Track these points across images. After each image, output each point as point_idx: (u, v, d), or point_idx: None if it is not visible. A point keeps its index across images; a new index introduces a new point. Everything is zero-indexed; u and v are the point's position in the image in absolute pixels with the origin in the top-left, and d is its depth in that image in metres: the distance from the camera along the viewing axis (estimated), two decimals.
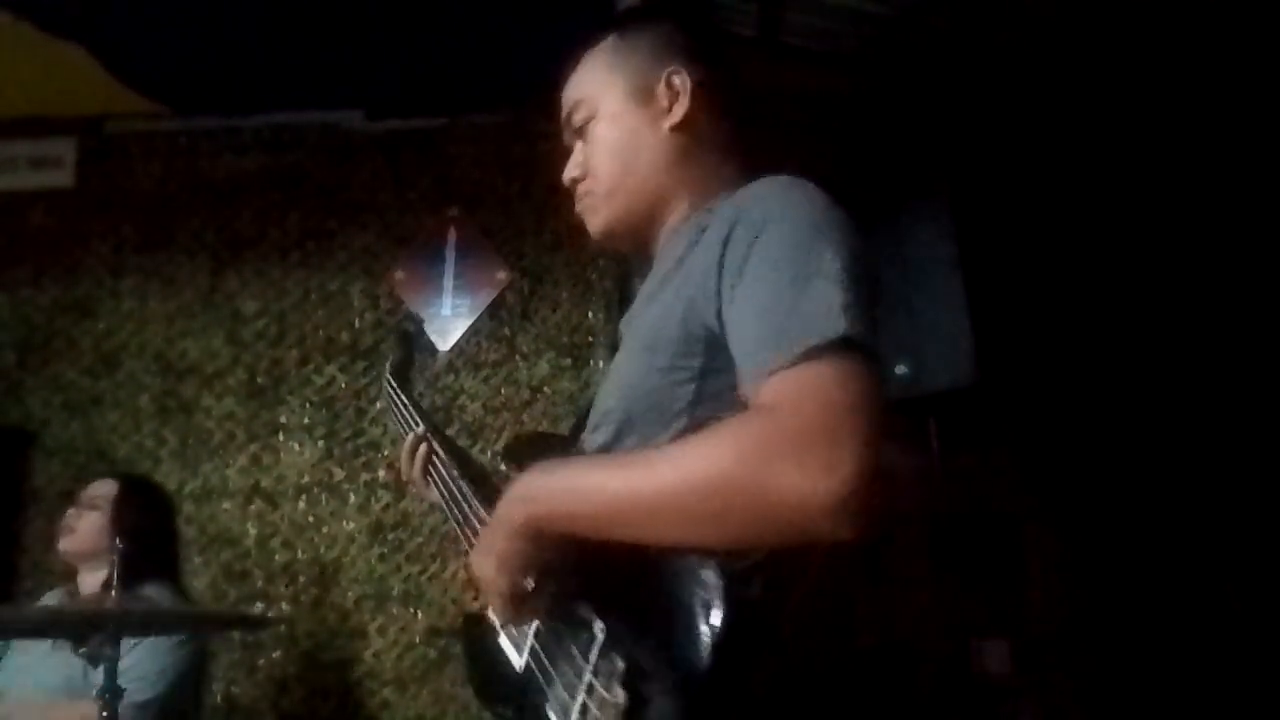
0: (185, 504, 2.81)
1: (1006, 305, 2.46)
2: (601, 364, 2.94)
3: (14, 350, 3.02)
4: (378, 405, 2.95)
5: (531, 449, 1.15)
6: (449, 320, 3.01)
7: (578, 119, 1.19)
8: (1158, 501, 2.70)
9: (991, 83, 2.87)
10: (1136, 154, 2.87)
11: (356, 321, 3.02)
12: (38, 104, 3.03)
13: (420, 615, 2.80)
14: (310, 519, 2.88)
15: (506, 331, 2.99)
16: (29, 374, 3.01)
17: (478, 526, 1.15)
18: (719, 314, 0.91)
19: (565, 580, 0.94)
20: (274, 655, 2.79)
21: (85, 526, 2.20)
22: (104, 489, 2.26)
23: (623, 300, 3.01)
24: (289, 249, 3.07)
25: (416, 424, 1.47)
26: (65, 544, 2.23)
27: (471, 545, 1.14)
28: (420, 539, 2.85)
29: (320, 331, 3.00)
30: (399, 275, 3.04)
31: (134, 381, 2.99)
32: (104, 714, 1.68)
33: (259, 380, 2.97)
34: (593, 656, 0.87)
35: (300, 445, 2.93)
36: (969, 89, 2.90)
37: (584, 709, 0.86)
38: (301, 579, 2.83)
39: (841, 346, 0.81)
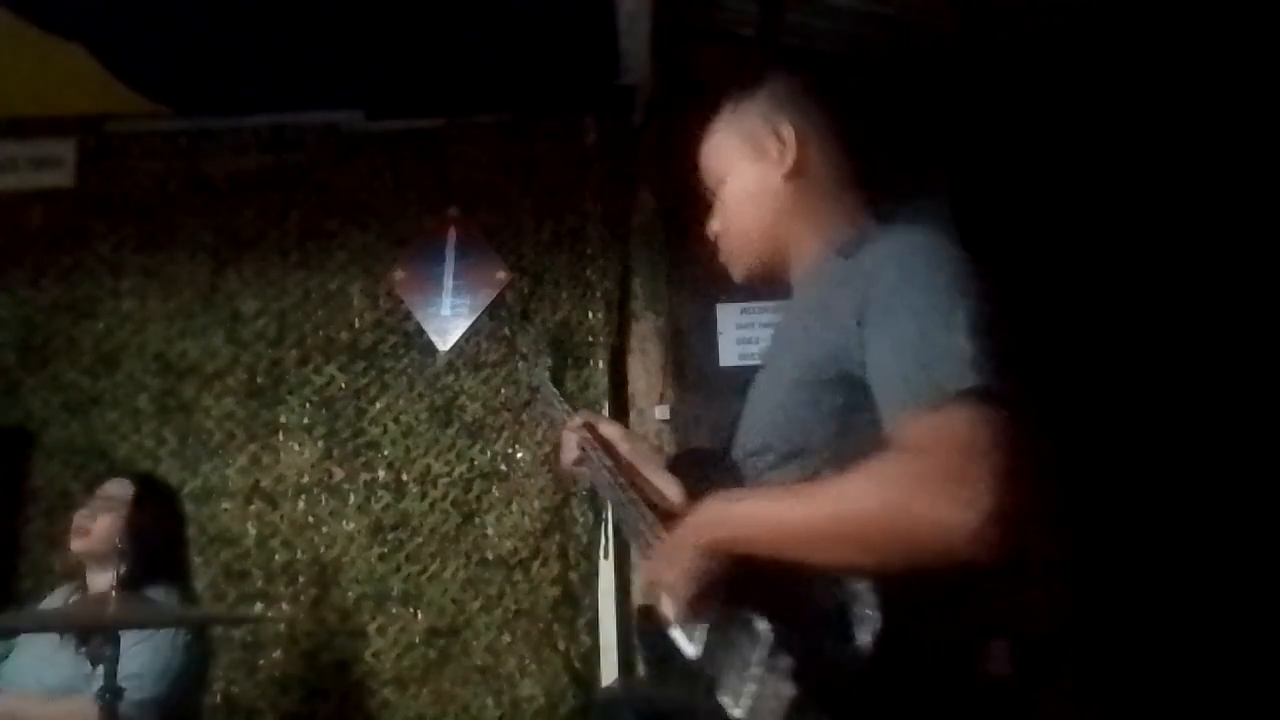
0: (185, 504, 2.80)
1: (1007, 305, 2.45)
2: (601, 364, 2.94)
3: (14, 350, 3.02)
4: (377, 405, 2.95)
5: (694, 465, 1.35)
6: (449, 320, 3.01)
7: (711, 183, 1.35)
8: (1158, 502, 2.70)
9: (992, 83, 2.88)
10: (1137, 152, 2.87)
11: (356, 321, 3.02)
12: (38, 104, 3.03)
13: (420, 615, 2.80)
14: (310, 519, 2.87)
15: (506, 331, 2.99)
16: (29, 374, 3.00)
17: (646, 527, 1.34)
18: (861, 359, 1.03)
19: (735, 590, 1.09)
20: (274, 655, 2.78)
21: (100, 527, 2.20)
22: (119, 490, 2.26)
23: (623, 300, 3.01)
24: (289, 249, 3.07)
25: (569, 413, 1.73)
26: (80, 544, 2.22)
27: (644, 540, 1.32)
28: (420, 539, 2.85)
29: (320, 331, 3.00)
30: (399, 275, 3.04)
31: (134, 381, 2.99)
32: (104, 715, 1.68)
33: (259, 380, 2.97)
34: (759, 654, 1.02)
35: (300, 445, 2.93)
36: (969, 89, 2.90)
37: (755, 697, 1.00)
38: (301, 579, 2.83)
39: (972, 395, 0.92)
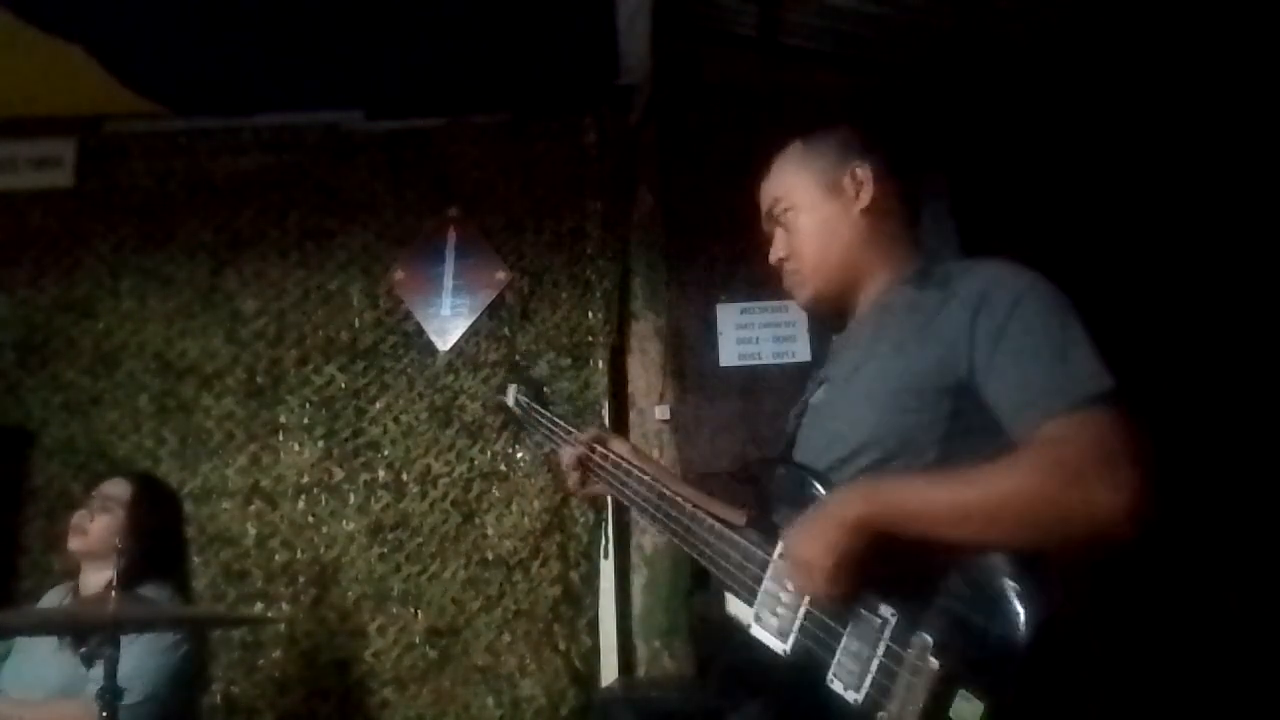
0: (185, 504, 2.80)
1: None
2: (601, 364, 2.94)
3: (14, 350, 3.02)
4: (377, 405, 2.95)
5: (767, 470, 1.38)
6: (449, 320, 3.01)
7: (778, 211, 1.45)
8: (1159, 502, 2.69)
9: (992, 83, 2.88)
10: (1137, 152, 2.87)
11: (356, 321, 3.02)
12: (38, 104, 3.03)
13: (420, 615, 2.80)
14: (310, 519, 2.87)
15: (506, 331, 2.99)
16: (29, 374, 3.00)
17: (685, 513, 1.44)
18: (972, 369, 1.18)
19: (865, 569, 1.15)
20: (274, 655, 2.78)
21: (98, 527, 2.19)
22: (117, 489, 2.25)
23: (623, 300, 3.01)
24: (289, 249, 3.07)
25: (568, 432, 1.72)
26: (77, 544, 2.21)
27: (698, 538, 1.41)
28: (420, 539, 2.85)
29: (320, 331, 3.00)
30: (399, 275, 3.04)
31: (133, 381, 2.99)
32: (103, 714, 1.68)
33: (258, 380, 2.97)
34: (888, 635, 1.11)
35: (299, 445, 2.93)
36: (969, 89, 2.90)
37: (884, 678, 1.09)
38: (301, 579, 2.83)
39: (1106, 396, 1.09)
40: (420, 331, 3.01)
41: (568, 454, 1.67)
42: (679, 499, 1.47)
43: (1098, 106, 2.86)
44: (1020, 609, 1.02)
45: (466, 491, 2.88)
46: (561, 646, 2.76)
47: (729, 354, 2.93)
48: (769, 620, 1.27)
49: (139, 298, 3.05)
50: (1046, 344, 1.14)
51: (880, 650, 1.11)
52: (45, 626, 2.08)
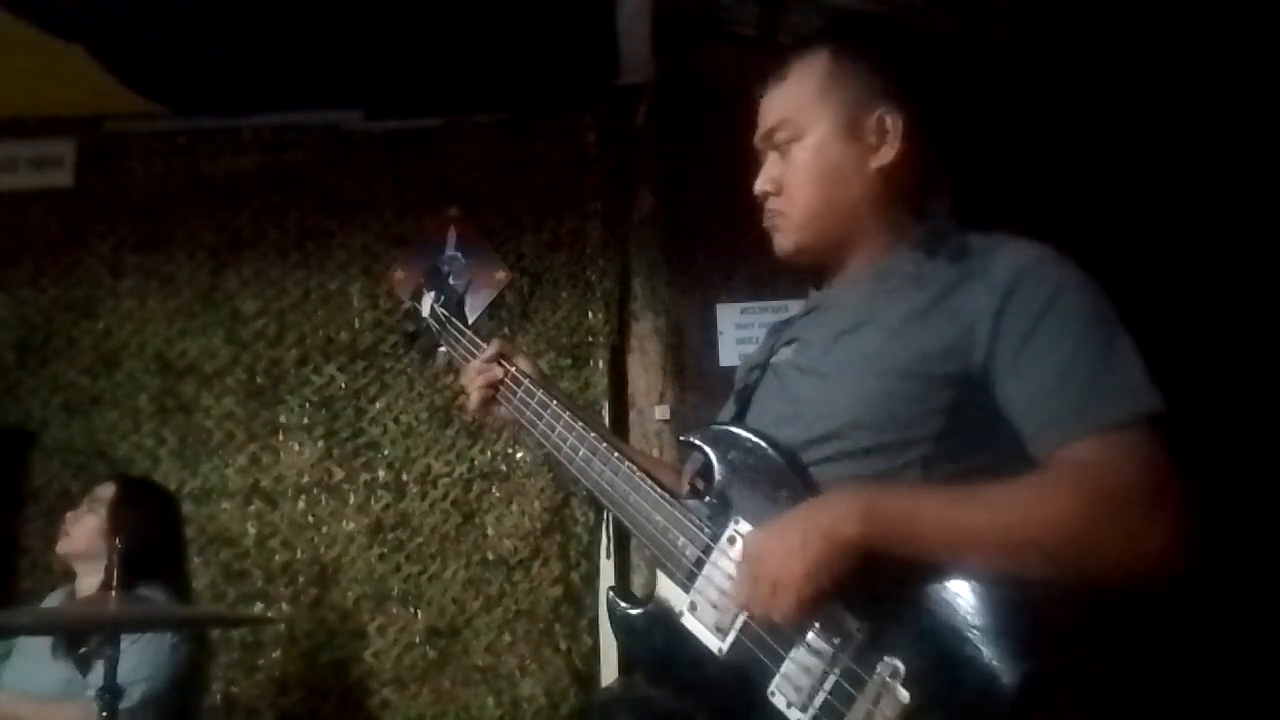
0: (184, 504, 2.79)
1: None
2: (601, 364, 2.94)
3: (14, 350, 3.02)
4: (377, 405, 2.95)
5: (722, 437, 1.16)
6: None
7: (780, 136, 1.20)
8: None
9: (991, 83, 2.87)
10: (1137, 152, 2.87)
11: (356, 321, 3.02)
12: (38, 104, 3.03)
13: (420, 615, 2.80)
14: (310, 519, 2.87)
15: (506, 331, 2.98)
16: (29, 374, 3.00)
17: (612, 468, 1.25)
18: (989, 362, 1.01)
19: (840, 589, 1.00)
20: (274, 655, 2.78)
21: (80, 529, 2.21)
22: (103, 492, 2.28)
23: (623, 300, 3.01)
24: (288, 249, 3.07)
25: (479, 348, 1.54)
26: (62, 546, 2.24)
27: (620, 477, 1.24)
28: (420, 539, 2.85)
29: (320, 331, 3.00)
30: (399, 275, 3.04)
31: (133, 381, 2.99)
32: (103, 714, 1.68)
33: (258, 380, 2.97)
34: (850, 649, 0.97)
35: (299, 445, 2.93)
36: (969, 89, 2.90)
37: (841, 697, 0.96)
38: (301, 579, 2.83)
39: (1155, 419, 0.96)
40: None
41: (476, 370, 1.48)
42: (608, 449, 1.27)
43: (1099, 107, 2.86)
44: (1019, 650, 0.89)
45: (466, 491, 2.87)
46: (562, 646, 2.76)
47: (729, 354, 2.93)
48: (705, 612, 1.10)
49: (139, 298, 3.05)
50: (1088, 349, 0.99)
51: (838, 669, 0.97)
52: (43, 627, 2.09)
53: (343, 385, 2.96)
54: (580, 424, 1.32)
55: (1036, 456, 0.99)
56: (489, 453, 2.90)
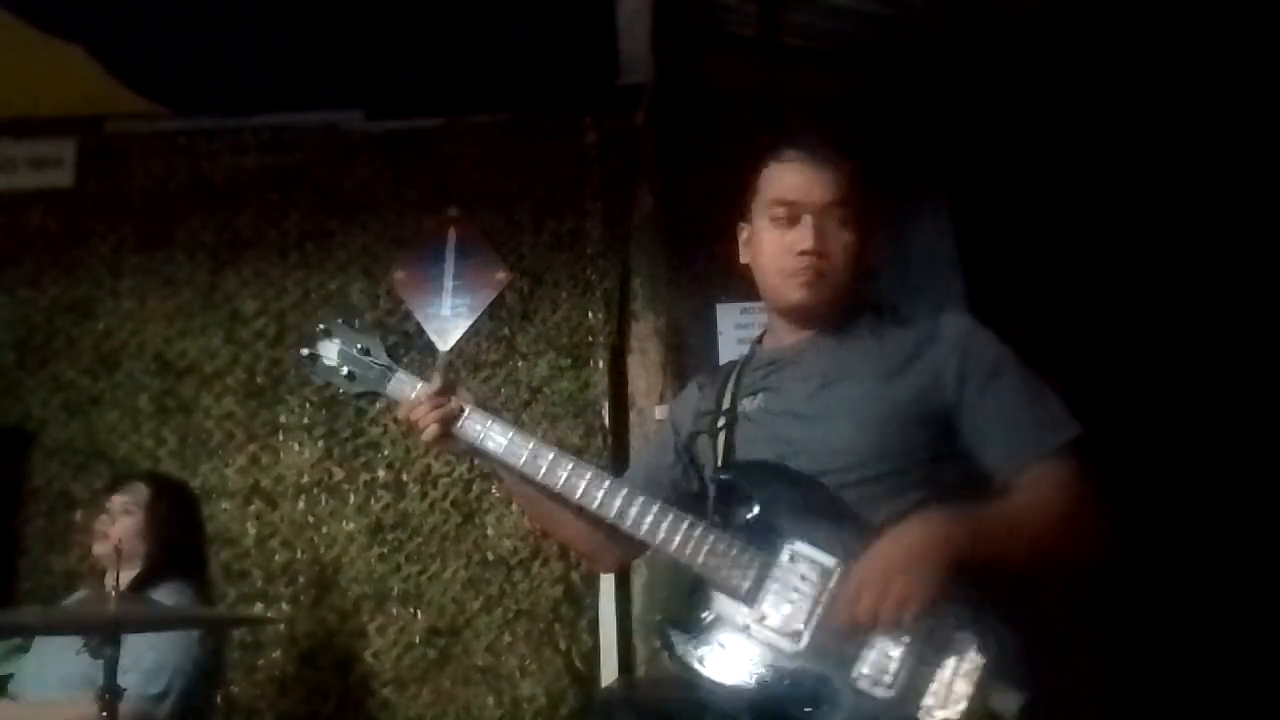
0: None
1: (1007, 305, 2.46)
2: (601, 364, 2.94)
3: (14, 350, 3.02)
4: (377, 405, 2.94)
5: (753, 471, 1.39)
6: (449, 320, 3.01)
7: (840, 211, 1.43)
8: (1158, 501, 2.70)
9: (991, 83, 2.87)
10: (1136, 152, 2.87)
11: (356, 322, 3.01)
12: (38, 104, 3.03)
13: (420, 615, 2.80)
14: (310, 519, 2.87)
15: (506, 331, 2.98)
16: (29, 374, 3.00)
17: (641, 504, 1.39)
18: (957, 406, 1.33)
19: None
20: (274, 655, 2.78)
21: (119, 531, 2.21)
22: (137, 492, 2.28)
23: (623, 300, 3.01)
24: (288, 249, 3.07)
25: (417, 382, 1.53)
26: (102, 549, 2.24)
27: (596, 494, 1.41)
28: (420, 539, 2.85)
29: None
30: (399, 275, 3.04)
31: (133, 381, 2.99)
32: (104, 713, 1.69)
33: (258, 380, 2.97)
34: (923, 630, 1.21)
35: (300, 445, 2.92)
36: (969, 89, 2.90)
37: (922, 668, 1.20)
38: (301, 579, 2.83)
39: (1077, 441, 1.30)
40: (420, 331, 3.00)
41: (427, 406, 1.46)
42: (628, 488, 1.42)
43: (1100, 107, 2.86)
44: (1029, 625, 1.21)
45: (466, 491, 2.87)
46: (562, 646, 2.76)
47: (729, 354, 2.93)
48: (775, 620, 1.28)
49: (139, 298, 3.05)
50: (1029, 394, 1.32)
51: (916, 646, 1.20)
52: (44, 626, 2.09)
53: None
54: (570, 463, 1.44)
55: (999, 472, 1.30)
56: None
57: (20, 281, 3.07)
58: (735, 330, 2.94)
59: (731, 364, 1.60)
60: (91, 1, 2.52)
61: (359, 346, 1.59)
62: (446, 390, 1.49)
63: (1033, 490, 1.27)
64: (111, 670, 1.70)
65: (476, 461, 2.88)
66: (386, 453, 2.91)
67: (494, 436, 1.46)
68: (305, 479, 2.90)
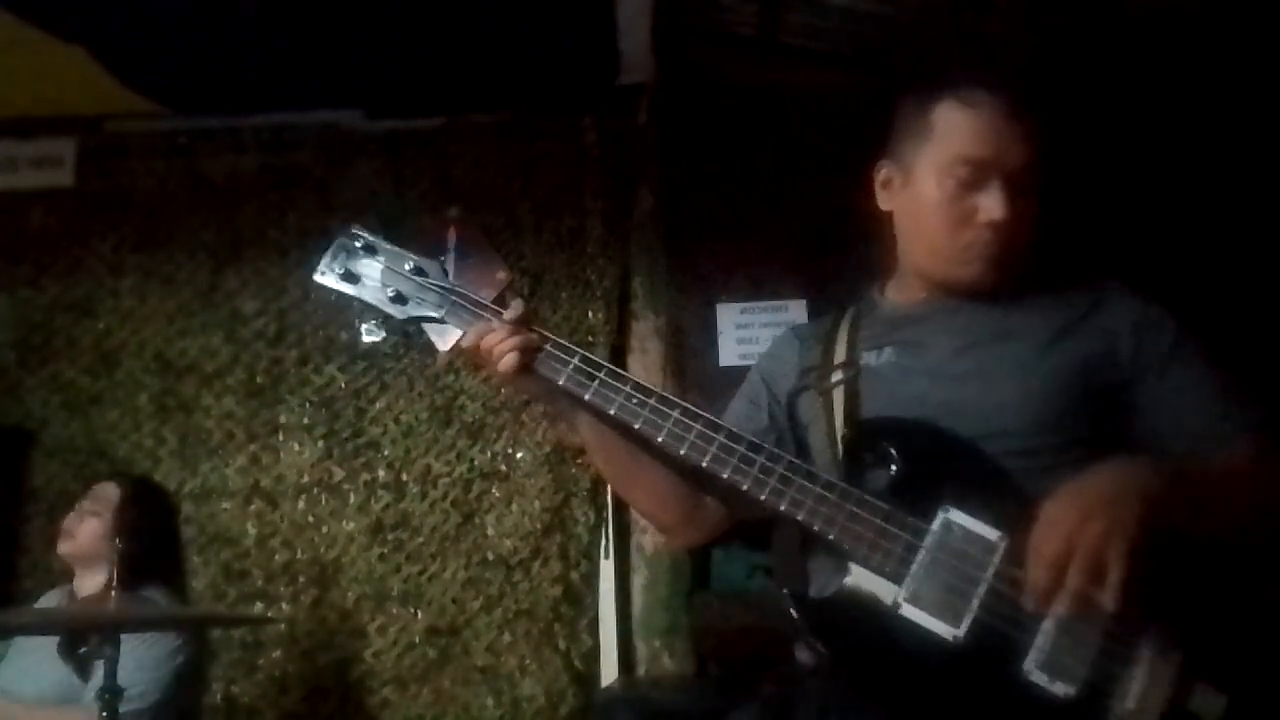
0: (185, 504, 2.80)
1: None
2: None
3: (14, 350, 3.02)
4: (377, 405, 2.94)
5: (910, 434, 1.18)
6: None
7: (1034, 178, 1.27)
8: None
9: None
10: (1136, 153, 2.87)
11: (356, 321, 3.00)
12: (38, 104, 3.03)
13: (420, 615, 2.80)
14: (310, 519, 2.88)
15: None
16: (29, 374, 3.00)
17: (769, 457, 1.17)
18: (1136, 378, 1.19)
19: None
20: (274, 655, 2.79)
21: (85, 531, 2.20)
22: (106, 493, 2.26)
23: (623, 300, 3.01)
24: (289, 249, 3.07)
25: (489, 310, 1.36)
26: (64, 547, 2.22)
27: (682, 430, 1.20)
28: (420, 539, 2.85)
29: (320, 331, 3.00)
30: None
31: (133, 381, 2.99)
32: (103, 715, 1.68)
33: (258, 380, 2.97)
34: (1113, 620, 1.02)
35: (300, 445, 2.93)
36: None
37: (1113, 663, 1.02)
38: (301, 579, 2.83)
39: (1267, 420, 1.17)
40: (420, 331, 3.00)
41: (503, 333, 1.34)
42: (747, 439, 1.20)
43: (1099, 105, 2.86)
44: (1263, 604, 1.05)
45: (466, 491, 2.88)
46: (562, 646, 2.76)
47: (729, 354, 2.93)
48: (930, 599, 1.08)
49: (139, 298, 3.05)
50: (1216, 374, 1.20)
51: (1104, 637, 1.02)
52: (44, 627, 2.08)
53: (343, 385, 2.96)
54: (678, 408, 1.22)
55: (1195, 449, 1.14)
56: (489, 453, 2.90)
57: (20, 281, 3.06)
58: (735, 330, 2.95)
59: (837, 314, 1.37)
60: (92, 2, 2.52)
61: (409, 265, 1.37)
62: (526, 318, 1.31)
63: (1238, 458, 1.12)
64: (112, 671, 1.70)
65: (476, 461, 2.88)
66: (386, 453, 2.91)
67: (580, 373, 1.27)
68: (305, 479, 2.90)
